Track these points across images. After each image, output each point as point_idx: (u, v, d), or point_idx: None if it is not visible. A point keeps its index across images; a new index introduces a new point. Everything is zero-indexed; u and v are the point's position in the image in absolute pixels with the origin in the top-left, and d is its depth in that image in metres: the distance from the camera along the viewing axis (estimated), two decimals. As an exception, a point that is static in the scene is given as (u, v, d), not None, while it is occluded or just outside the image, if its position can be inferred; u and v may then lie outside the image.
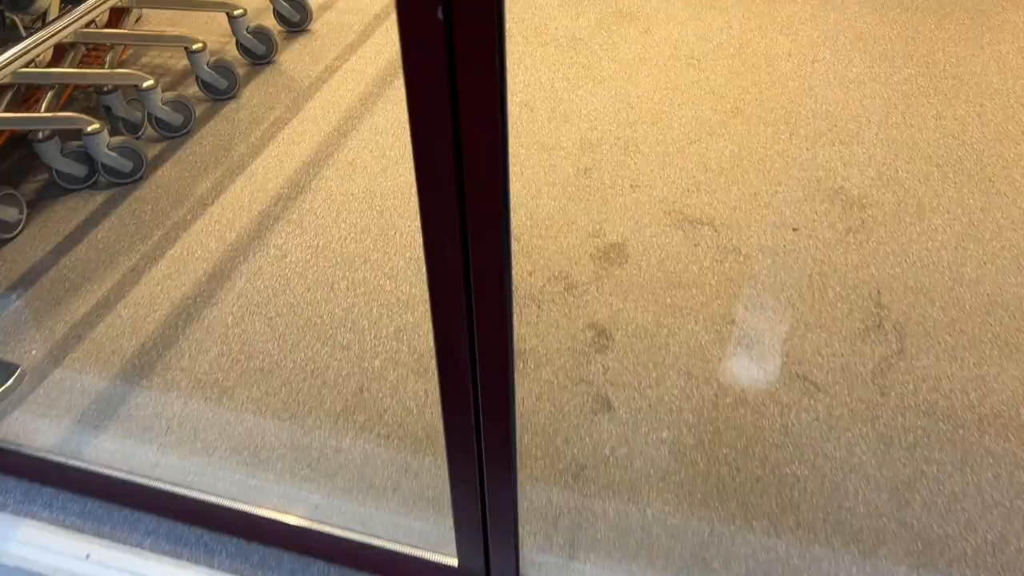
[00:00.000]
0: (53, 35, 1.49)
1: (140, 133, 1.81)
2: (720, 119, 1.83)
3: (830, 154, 1.72)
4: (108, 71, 1.72)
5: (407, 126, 1.86)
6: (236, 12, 1.95)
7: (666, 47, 2.08)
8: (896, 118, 1.81)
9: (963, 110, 1.82)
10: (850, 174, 1.67)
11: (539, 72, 2.01)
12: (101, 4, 1.55)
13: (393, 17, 2.25)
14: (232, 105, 1.92)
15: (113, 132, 1.78)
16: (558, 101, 1.91)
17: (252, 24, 2.01)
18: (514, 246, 1.54)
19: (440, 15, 0.57)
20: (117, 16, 1.83)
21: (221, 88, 1.90)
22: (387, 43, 2.14)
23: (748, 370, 1.30)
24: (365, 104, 1.92)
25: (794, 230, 1.55)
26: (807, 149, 1.73)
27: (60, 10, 1.59)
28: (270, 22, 2.21)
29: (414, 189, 1.72)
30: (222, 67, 1.88)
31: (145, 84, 1.70)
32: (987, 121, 1.79)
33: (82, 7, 1.54)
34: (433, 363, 1.33)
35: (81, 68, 1.72)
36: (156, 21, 2.22)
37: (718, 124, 1.82)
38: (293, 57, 2.09)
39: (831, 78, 1.94)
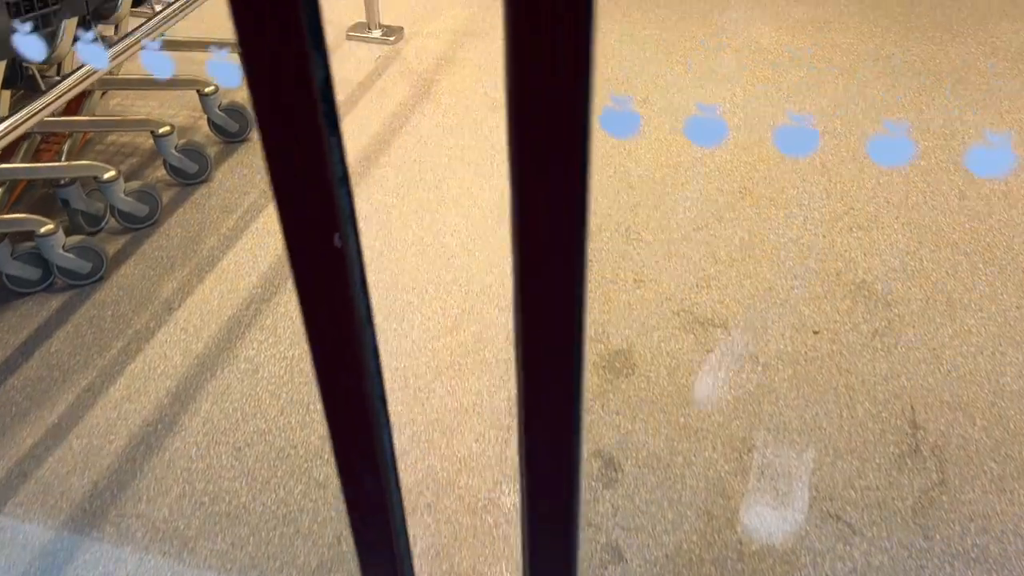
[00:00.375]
0: (4, 135, 1.36)
1: (102, 225, 1.67)
2: (727, 201, 1.71)
3: (849, 241, 1.60)
4: (65, 164, 1.59)
5: (394, 212, 1.73)
6: (207, 90, 1.82)
7: (666, 118, 1.96)
8: (916, 198, 1.69)
9: (987, 188, 1.71)
10: (872, 265, 1.54)
11: (532, 148, 1.89)
12: (60, 97, 1.42)
13: (379, 84, 2.13)
14: (203, 190, 1.78)
15: (71, 227, 1.64)
16: (553, 181, 1.79)
17: (225, 101, 1.88)
18: (510, 353, 1.40)
19: (338, 242, 0.45)
20: (77, 100, 1.70)
21: (191, 172, 1.77)
22: (373, 112, 2.01)
23: (775, 509, 1.16)
24: (346, 187, 1.78)
25: (815, 333, 1.42)
26: (823, 235, 1.61)
27: (12, 102, 1.46)
28: (244, 93, 2.08)
29: (399, 285, 1.59)
30: (192, 150, 1.75)
31: (106, 176, 1.57)
32: (1014, 201, 1.67)
33: (39, 101, 1.41)
34: (422, 502, 1.19)
35: (35, 161, 1.59)
36: (123, 95, 2.09)
37: (725, 207, 1.69)
38: (270, 133, 1.96)
39: (844, 152, 1.83)
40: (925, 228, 1.62)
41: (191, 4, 1.64)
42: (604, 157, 1.85)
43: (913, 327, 1.42)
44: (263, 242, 1.65)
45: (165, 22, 1.65)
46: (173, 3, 1.66)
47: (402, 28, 2.35)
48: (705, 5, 2.43)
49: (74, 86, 1.49)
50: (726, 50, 2.22)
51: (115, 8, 1.70)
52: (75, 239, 1.51)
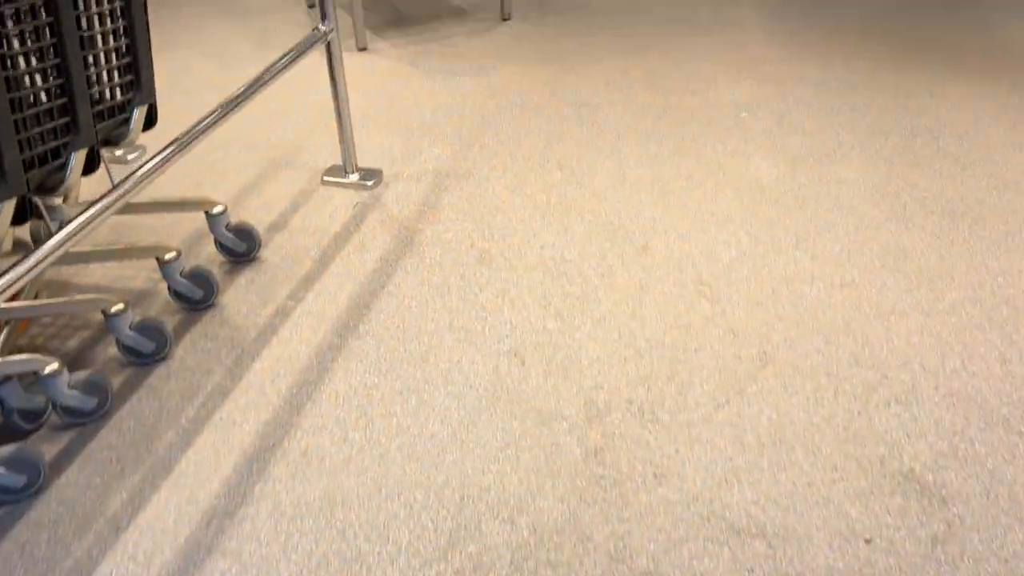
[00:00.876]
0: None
1: (41, 421, 1.46)
2: (748, 370, 1.54)
3: (887, 419, 1.43)
4: (-2, 360, 1.39)
5: (375, 393, 1.53)
6: (168, 256, 1.65)
7: (670, 269, 1.82)
8: (954, 363, 1.54)
9: (1029, 349, 1.56)
10: (918, 449, 1.37)
11: (527, 308, 1.72)
12: (15, 283, 1.24)
13: (358, 236, 1.97)
14: (161, 371, 1.59)
15: (4, 428, 1.44)
16: (554, 348, 1.62)
17: (188, 265, 1.71)
18: (516, 578, 1.20)
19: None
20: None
21: (147, 352, 1.58)
22: (350, 272, 1.85)
23: None
24: (323, 362, 1.60)
25: (867, 542, 1.23)
26: (859, 412, 1.44)
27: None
28: (210, 249, 1.92)
29: (383, 491, 1.38)
30: (148, 328, 1.57)
31: (47, 369, 1.37)
32: (1060, 364, 1.53)
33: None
34: None
35: (-36, 357, 1.39)
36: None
37: (746, 378, 1.52)
38: (237, 297, 1.78)
39: (866, 308, 1.68)
40: (969, 400, 1.46)
41: (151, 174, 1.48)
42: (606, 317, 1.68)
43: (977, 531, 1.24)
44: (227, 437, 1.45)
45: (132, 189, 1.48)
46: (136, 171, 1.50)
47: (381, 171, 2.21)
48: (698, 139, 2.33)
49: (28, 271, 1.31)
50: (725, 189, 2.10)
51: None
52: (7, 450, 1.30)
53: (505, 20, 3.19)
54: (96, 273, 1.87)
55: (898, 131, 2.32)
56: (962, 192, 2.03)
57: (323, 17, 1.96)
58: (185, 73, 2.88)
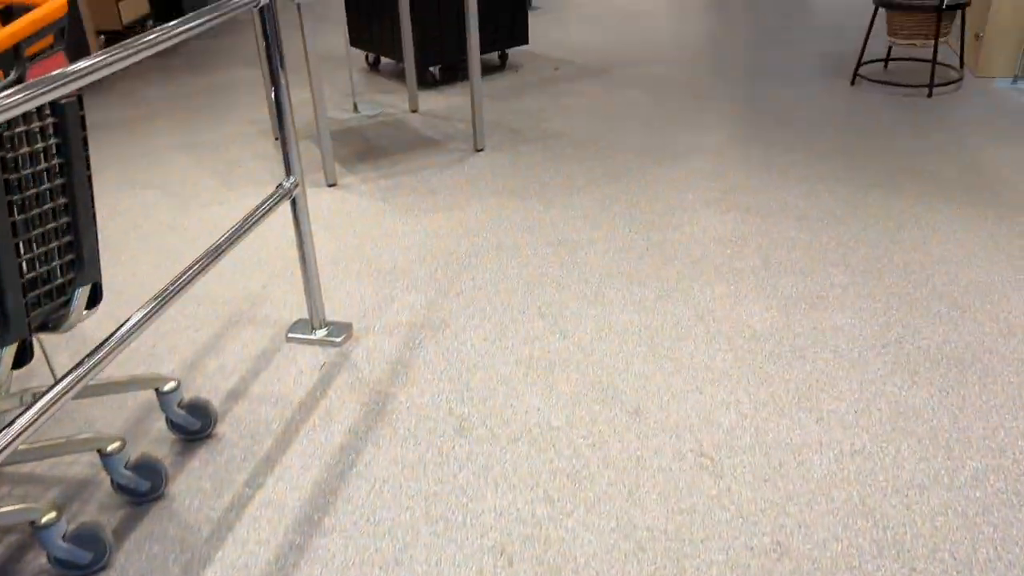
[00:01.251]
0: None
1: (-48, 662, 1.26)
2: (762, 565, 1.38)
3: (923, 625, 1.27)
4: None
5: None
6: (110, 448, 1.48)
7: (666, 438, 1.67)
8: (987, 550, 1.39)
9: (1066, 531, 1.42)
10: (964, 667, 1.21)
11: (513, 490, 1.56)
12: None
13: (324, 403, 1.81)
14: (97, 586, 1.39)
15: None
16: (545, 542, 1.45)
17: (134, 453, 1.54)
18: None
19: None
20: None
21: (83, 563, 1.39)
22: (315, 450, 1.68)
23: None
24: (283, 568, 1.41)
25: None
26: (891, 619, 1.28)
27: None
28: (160, 425, 1.75)
29: None
30: (85, 536, 1.38)
31: (-42, 606, 1.18)
32: (1103, 549, 1.38)
33: None
34: None
35: None
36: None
37: (762, 575, 1.36)
38: (189, 485, 1.60)
39: (882, 481, 1.54)
40: (1011, 599, 1.31)
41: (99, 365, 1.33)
42: (600, 500, 1.52)
43: None
44: (171, 673, 1.25)
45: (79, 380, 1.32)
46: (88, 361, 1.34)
47: (350, 324, 2.07)
48: (684, 280, 2.23)
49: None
50: (717, 339, 1.98)
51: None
52: None
53: (478, 151, 3.13)
54: (23, 468, 1.68)
55: (891, 268, 2.24)
56: (967, 339, 1.93)
57: (287, 172, 1.86)
58: (145, 215, 2.76)
